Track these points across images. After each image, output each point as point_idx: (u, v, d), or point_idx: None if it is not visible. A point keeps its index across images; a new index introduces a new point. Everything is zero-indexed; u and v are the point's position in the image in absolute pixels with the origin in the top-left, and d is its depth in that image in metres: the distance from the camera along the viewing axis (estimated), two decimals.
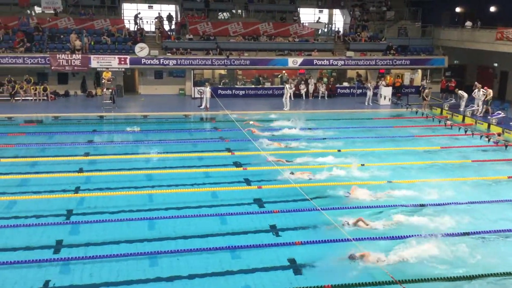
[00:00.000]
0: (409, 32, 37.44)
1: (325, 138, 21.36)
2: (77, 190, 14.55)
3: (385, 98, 30.55)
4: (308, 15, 39.34)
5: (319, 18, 38.34)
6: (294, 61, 32.87)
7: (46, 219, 12.38)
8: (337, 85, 33.93)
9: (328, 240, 11.43)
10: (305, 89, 32.44)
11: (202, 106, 27.48)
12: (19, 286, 9.35)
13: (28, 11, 34.05)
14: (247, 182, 15.60)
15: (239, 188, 14.93)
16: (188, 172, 16.35)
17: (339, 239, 11.38)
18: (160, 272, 10.02)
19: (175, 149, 19.13)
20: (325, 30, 39.38)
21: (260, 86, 33.06)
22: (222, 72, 33.49)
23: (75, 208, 13.27)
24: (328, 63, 33.42)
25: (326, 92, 32.70)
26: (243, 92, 32.44)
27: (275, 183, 15.33)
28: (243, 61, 32.31)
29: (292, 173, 15.82)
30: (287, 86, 29.33)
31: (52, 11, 32.91)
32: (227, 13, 37.37)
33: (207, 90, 27.52)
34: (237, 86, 32.89)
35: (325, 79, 33.93)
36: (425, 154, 19.42)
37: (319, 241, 11.44)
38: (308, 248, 11.15)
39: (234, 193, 14.52)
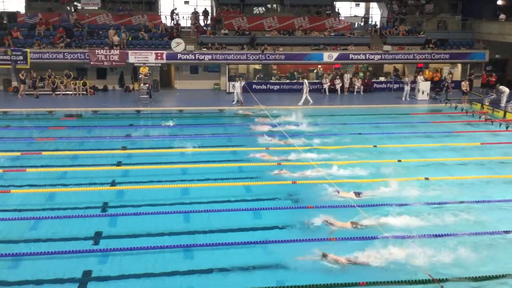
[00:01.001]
0: (449, 26, 36.52)
1: (360, 133, 21.12)
2: (114, 183, 14.85)
3: (423, 93, 29.92)
4: (344, 9, 38.85)
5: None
6: (329, 56, 32.56)
7: (85, 211, 12.69)
8: (373, 80, 33.45)
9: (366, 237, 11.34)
10: (340, 84, 32.10)
11: (235, 102, 27.53)
12: (59, 276, 9.62)
13: (68, 8, 34.89)
14: (282, 177, 15.54)
15: (273, 182, 14.90)
16: (223, 167, 16.44)
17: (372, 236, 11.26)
18: (195, 265, 10.13)
19: (209, 143, 19.26)
20: (362, 23, 38.81)
21: (295, 81, 32.91)
22: (257, 67, 33.50)
23: (113, 200, 13.55)
24: (364, 57, 32.95)
25: (362, 87, 32.29)
26: (278, 87, 32.38)
27: (308, 178, 15.25)
28: (278, 56, 32.22)
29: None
30: (306, 81, 28.97)
31: (91, 7, 33.61)
32: (262, 7, 37.34)
33: (237, 85, 27.58)
34: (271, 81, 32.84)
35: (361, 74, 33.48)
36: (464, 151, 18.95)
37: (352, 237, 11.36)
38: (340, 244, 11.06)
39: (267, 187, 14.51)
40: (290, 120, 23.40)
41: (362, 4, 39.88)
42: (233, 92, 28.00)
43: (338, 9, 37.79)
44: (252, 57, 32.02)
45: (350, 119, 24.31)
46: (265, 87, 32.32)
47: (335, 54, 32.63)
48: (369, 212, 12.41)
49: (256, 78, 33.02)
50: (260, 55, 31.99)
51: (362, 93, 32.09)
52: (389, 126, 22.88)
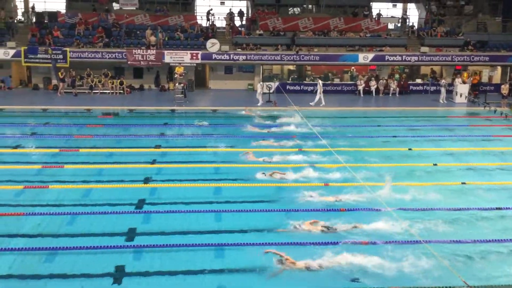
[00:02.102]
0: (489, 27, 35.62)
1: (395, 136, 20.80)
2: (148, 180, 15.06)
3: (461, 96, 29.24)
4: (381, 10, 38.34)
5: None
6: (364, 57, 32.22)
7: (119, 207, 12.91)
8: (409, 82, 32.90)
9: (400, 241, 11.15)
10: (375, 86, 31.71)
11: (259, 104, 27.40)
12: (93, 270, 9.82)
13: (107, 8, 35.63)
14: (315, 178, 15.43)
15: (305, 184, 14.80)
16: (255, 167, 16.40)
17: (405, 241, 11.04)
18: (225, 264, 10.17)
19: (241, 144, 19.29)
20: (399, 25, 38.25)
21: (329, 82, 32.69)
22: (291, 67, 33.44)
23: (147, 198, 13.73)
24: (400, 59, 32.47)
25: (398, 88, 31.80)
26: (312, 88, 32.22)
27: (341, 180, 15.10)
28: (312, 56, 32.11)
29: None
30: (320, 81, 28.64)
31: (129, 8, 34.24)
32: (298, 8, 37.25)
33: (259, 85, 27.50)
34: (305, 82, 32.73)
35: (396, 76, 33.02)
36: (503, 155, 18.43)
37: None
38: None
39: (301, 188, 14.43)
40: (323, 121, 23.24)
41: (400, 5, 39.33)
42: (268, 93, 27.99)
43: (372, 11, 37.27)
44: (287, 57, 32.00)
45: (385, 121, 23.99)
46: (299, 88, 32.24)
47: (370, 55, 32.27)
48: (388, 217, 12.15)
49: (290, 79, 32.95)
50: (295, 56, 31.92)
51: (397, 95, 31.61)
52: (425, 129, 22.48)
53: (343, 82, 32.90)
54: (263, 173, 15.17)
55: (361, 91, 31.42)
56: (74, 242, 10.83)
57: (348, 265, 9.98)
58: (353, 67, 33.19)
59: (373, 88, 31.68)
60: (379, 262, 10.10)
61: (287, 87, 31.50)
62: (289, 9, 37.61)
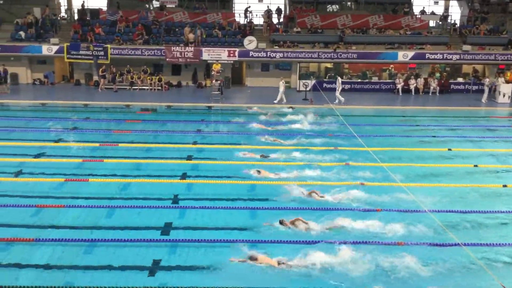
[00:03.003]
0: None
1: (434, 136, 20.35)
2: (185, 176, 15.23)
3: (504, 95, 28.33)
4: (421, 7, 37.48)
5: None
6: (404, 55, 31.63)
7: (156, 202, 13.11)
8: (450, 81, 32.11)
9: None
10: (415, 84, 31.10)
11: (276, 101, 27.18)
12: (130, 263, 10.02)
13: (147, 6, 36.23)
14: (352, 177, 15.28)
15: (342, 183, 14.64)
16: (290, 165, 16.35)
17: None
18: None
19: (276, 142, 19.25)
20: (440, 22, 37.34)
21: (367, 80, 32.28)
22: (328, 65, 33.17)
23: (183, 193, 13.89)
24: (441, 57, 31.71)
25: (438, 87, 31.09)
26: (349, 86, 31.89)
27: (378, 180, 14.89)
28: (350, 54, 31.74)
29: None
30: (339, 78, 28.11)
31: (169, 5, 34.70)
32: (336, 5, 36.92)
33: (281, 83, 27.38)
34: (343, 80, 32.36)
35: (437, 74, 32.27)
36: None
37: None
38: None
39: (336, 187, 14.30)
40: (360, 120, 22.99)
41: (441, 2, 38.41)
42: (305, 91, 27.84)
43: (412, 8, 36.53)
44: (324, 55, 31.75)
45: (424, 120, 23.52)
46: (336, 86, 31.85)
47: (410, 54, 31.65)
48: (425, 218, 11.88)
49: (327, 77, 32.70)
50: (332, 54, 31.64)
51: (438, 94, 30.91)
52: (466, 129, 21.91)
53: (381, 81, 32.41)
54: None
55: (400, 90, 30.88)
56: (111, 235, 11.07)
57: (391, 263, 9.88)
58: (391, 65, 32.64)
59: (412, 87, 31.07)
60: (413, 262, 9.92)
61: (324, 85, 31.26)
62: (328, 7, 37.30)
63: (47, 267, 9.78)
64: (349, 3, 37.15)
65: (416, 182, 14.66)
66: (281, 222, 11.67)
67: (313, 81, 30.35)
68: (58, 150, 17.99)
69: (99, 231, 11.37)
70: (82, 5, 35.10)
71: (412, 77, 31.61)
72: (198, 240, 10.88)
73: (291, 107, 25.99)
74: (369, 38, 33.06)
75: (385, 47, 32.55)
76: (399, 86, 30.99)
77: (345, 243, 10.73)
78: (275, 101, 26.99)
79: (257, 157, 17.08)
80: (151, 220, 11.99)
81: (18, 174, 15.14)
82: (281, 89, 27.15)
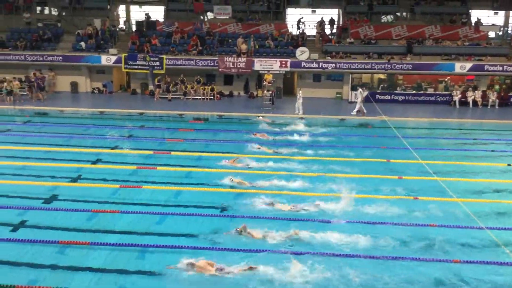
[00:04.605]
0: None
1: (493, 151, 19.55)
2: (234, 185, 15.27)
3: None
4: (480, 17, 36.28)
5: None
6: (461, 66, 30.70)
7: (205, 210, 13.23)
8: (510, 94, 30.83)
9: None
10: (473, 97, 30.06)
11: (296, 112, 26.93)
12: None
13: (202, 17, 36.99)
14: (403, 190, 14.92)
15: (393, 197, 14.32)
16: (346, 178, 16.06)
17: None
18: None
19: (325, 153, 19.06)
20: (500, 33, 35.98)
21: (422, 92, 31.51)
22: (382, 76, 32.66)
23: (231, 202, 13.94)
24: (501, 69, 30.56)
25: (497, 100, 29.92)
26: (403, 97, 31.28)
27: (432, 195, 14.43)
28: (405, 65, 31.13)
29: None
30: (361, 90, 27.29)
31: (223, 17, 35.29)
32: (391, 16, 36.33)
33: (300, 93, 27.08)
34: (396, 91, 31.81)
35: (496, 87, 31.07)
36: None
37: None
38: None
39: (387, 201, 13.99)
40: (415, 132, 22.43)
41: (501, 13, 36.94)
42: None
43: (471, 18, 35.38)
44: (377, 66, 31.31)
45: (482, 134, 22.68)
46: (389, 98, 31.40)
47: (468, 65, 30.69)
48: (482, 234, 11.37)
49: (380, 88, 32.18)
50: (386, 65, 31.14)
51: (497, 107, 29.74)
52: None
53: (437, 92, 31.56)
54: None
55: (457, 102, 29.95)
56: (162, 241, 11.26)
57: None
58: (448, 77, 31.72)
59: (470, 99, 30.06)
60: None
61: (377, 96, 30.77)
62: (382, 17, 36.79)
63: (102, 270, 10.04)
64: (404, 14, 36.47)
65: (472, 198, 14.12)
66: (237, 230, 11.66)
67: (366, 92, 29.92)
68: (114, 157, 18.52)
69: (150, 237, 11.58)
70: (146, 16, 36.32)
71: (470, 89, 30.58)
72: (249, 250, 10.85)
73: (261, 116, 25.94)
74: (425, 49, 32.30)
75: (442, 58, 31.70)
76: (456, 98, 30.07)
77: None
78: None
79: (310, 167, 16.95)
80: (201, 228, 12.07)
81: (76, 179, 15.73)
82: (301, 100, 26.88)
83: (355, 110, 26.81)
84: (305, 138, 21.45)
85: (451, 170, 16.82)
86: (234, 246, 11.05)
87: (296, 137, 21.57)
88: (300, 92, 27.21)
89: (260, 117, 25.89)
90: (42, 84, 30.62)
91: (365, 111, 26.65)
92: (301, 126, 23.81)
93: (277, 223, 12.21)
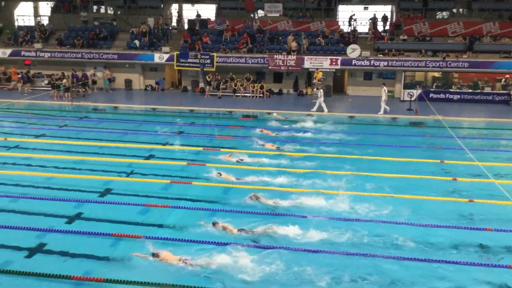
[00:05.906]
0: None
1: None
2: (281, 183, 15.20)
3: None
4: None
5: None
6: None
7: (251, 207, 13.21)
8: None
9: None
10: None
11: (314, 109, 26.60)
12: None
13: (252, 15, 37.13)
14: (456, 193, 14.46)
15: (446, 199, 13.92)
16: (391, 177, 15.77)
17: None
18: None
19: (376, 152, 18.69)
20: None
21: (479, 91, 30.39)
22: (436, 74, 31.72)
23: (279, 199, 13.86)
24: None
25: None
26: (458, 96, 30.29)
27: (488, 197, 13.91)
28: (461, 63, 30.12)
29: None
30: (385, 88, 26.31)
31: (273, 14, 35.30)
32: (447, 12, 35.22)
33: (319, 92, 26.62)
34: (451, 90, 30.82)
35: None
36: None
37: None
38: None
39: (438, 203, 13.58)
40: (470, 132, 21.65)
41: None
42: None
43: None
44: (432, 64, 30.44)
45: None
46: (444, 96, 30.46)
47: None
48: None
49: (434, 87, 31.29)
50: (441, 62, 30.23)
51: None
52: None
53: (494, 91, 30.36)
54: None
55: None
56: (210, 237, 11.36)
57: None
58: (507, 75, 30.43)
59: None
60: None
61: (431, 95, 29.93)
62: (437, 13, 35.72)
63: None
64: (461, 10, 35.27)
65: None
66: (214, 224, 11.78)
67: (419, 91, 29.16)
68: (165, 153, 18.94)
69: (198, 232, 11.71)
70: (197, 15, 36.92)
71: None
72: (289, 248, 10.80)
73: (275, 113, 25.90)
74: (482, 46, 31.12)
75: (500, 55, 30.45)
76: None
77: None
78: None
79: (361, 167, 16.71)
80: (245, 225, 12.05)
81: (129, 174, 16.18)
82: (322, 98, 26.49)
83: (381, 111, 26.15)
84: (352, 137, 21.15)
85: (509, 172, 16.14)
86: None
87: (339, 135, 21.47)
88: (321, 90, 26.98)
89: (275, 114, 25.90)
90: (85, 79, 31.69)
91: (387, 109, 26.02)
92: (341, 126, 23.38)
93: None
